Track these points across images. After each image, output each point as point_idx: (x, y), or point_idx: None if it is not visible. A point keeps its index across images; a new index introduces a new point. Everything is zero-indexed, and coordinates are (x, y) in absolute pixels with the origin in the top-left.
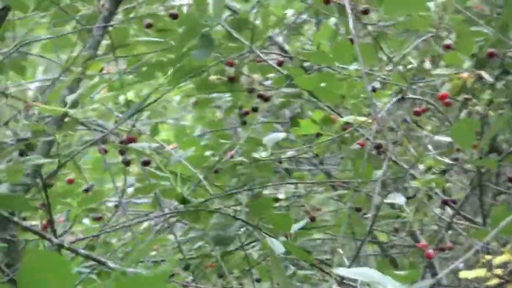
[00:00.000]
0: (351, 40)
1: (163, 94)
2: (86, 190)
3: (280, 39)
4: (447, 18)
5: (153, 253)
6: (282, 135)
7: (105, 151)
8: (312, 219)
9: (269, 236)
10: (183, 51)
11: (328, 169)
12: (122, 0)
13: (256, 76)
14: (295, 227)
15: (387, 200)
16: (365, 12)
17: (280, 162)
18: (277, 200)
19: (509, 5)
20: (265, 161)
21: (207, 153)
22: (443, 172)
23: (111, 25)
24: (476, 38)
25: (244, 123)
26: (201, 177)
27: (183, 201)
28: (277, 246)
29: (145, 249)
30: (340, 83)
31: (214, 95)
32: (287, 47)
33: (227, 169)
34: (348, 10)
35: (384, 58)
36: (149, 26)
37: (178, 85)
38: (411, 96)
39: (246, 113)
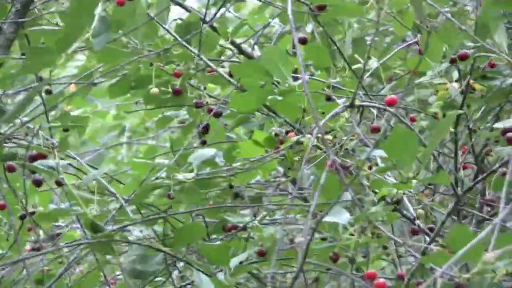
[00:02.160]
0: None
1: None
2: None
3: (250, 49)
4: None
5: None
6: (211, 152)
7: (11, 169)
8: (262, 254)
9: (201, 271)
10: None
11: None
12: None
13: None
14: (234, 260)
15: (327, 219)
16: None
17: (231, 187)
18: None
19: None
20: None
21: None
22: (396, 203)
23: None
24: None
25: (204, 143)
26: (122, 200)
27: (94, 228)
28: (206, 284)
29: None
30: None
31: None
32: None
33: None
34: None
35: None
36: None
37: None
38: (361, 103)
39: (206, 131)
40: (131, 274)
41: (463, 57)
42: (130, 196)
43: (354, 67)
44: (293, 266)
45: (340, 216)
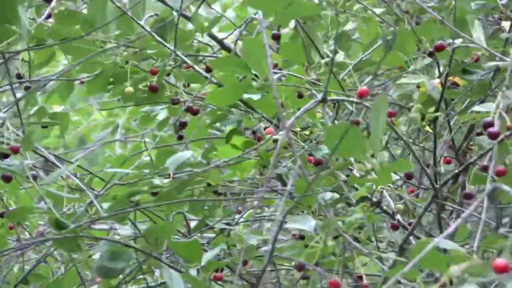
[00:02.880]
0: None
1: None
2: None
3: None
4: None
5: None
6: (187, 155)
7: None
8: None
9: (172, 268)
10: None
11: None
12: None
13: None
14: (206, 256)
15: (290, 225)
16: None
17: (210, 184)
18: None
19: None
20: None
21: None
22: (377, 203)
23: None
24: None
25: (180, 137)
26: (92, 196)
27: (58, 225)
28: (176, 280)
29: None
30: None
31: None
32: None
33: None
34: None
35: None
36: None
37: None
38: (333, 98)
39: (182, 127)
40: (99, 271)
41: (440, 48)
42: (100, 192)
43: (323, 61)
44: (278, 264)
45: (306, 223)
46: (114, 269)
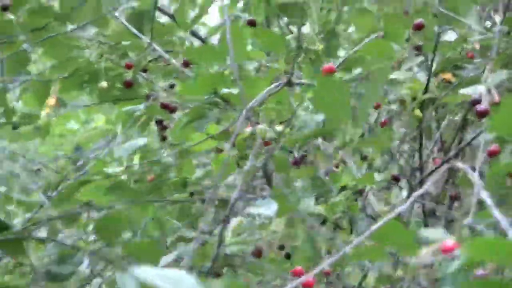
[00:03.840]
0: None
1: None
2: None
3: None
4: None
5: None
6: (141, 141)
7: None
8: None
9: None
10: None
11: None
12: None
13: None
14: (164, 260)
15: (253, 210)
16: None
17: (185, 185)
18: None
19: None
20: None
21: None
22: (360, 192)
23: None
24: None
25: (164, 139)
26: (44, 198)
27: (1, 227)
28: (129, 283)
29: None
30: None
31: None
32: None
33: None
34: None
35: None
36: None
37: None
38: (299, 81)
39: (164, 127)
40: (45, 277)
41: (419, 27)
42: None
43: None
44: None
45: (268, 207)
46: (62, 273)
